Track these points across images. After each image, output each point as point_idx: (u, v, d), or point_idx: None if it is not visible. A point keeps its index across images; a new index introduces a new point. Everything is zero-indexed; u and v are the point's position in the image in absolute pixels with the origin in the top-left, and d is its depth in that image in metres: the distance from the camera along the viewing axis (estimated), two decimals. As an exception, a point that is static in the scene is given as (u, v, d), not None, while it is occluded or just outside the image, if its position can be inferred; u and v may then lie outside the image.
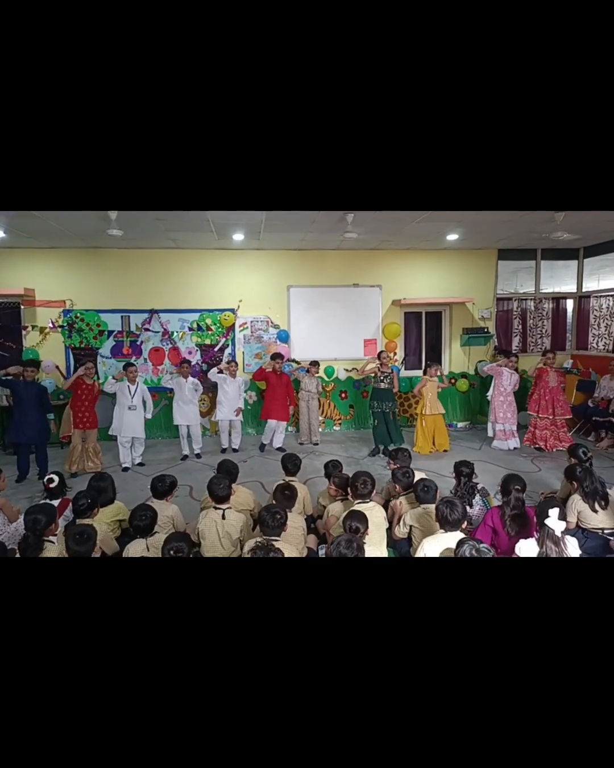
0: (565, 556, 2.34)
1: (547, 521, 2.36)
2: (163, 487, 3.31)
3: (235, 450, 6.24)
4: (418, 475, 3.56)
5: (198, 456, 6.00)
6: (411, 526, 3.08)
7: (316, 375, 6.61)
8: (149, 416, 5.78)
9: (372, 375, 6.13)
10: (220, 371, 6.14)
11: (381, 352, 6.22)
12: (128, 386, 5.58)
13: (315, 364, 6.57)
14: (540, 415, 6.10)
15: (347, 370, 7.37)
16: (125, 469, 5.49)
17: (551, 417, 6.06)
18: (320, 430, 6.81)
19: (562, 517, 2.44)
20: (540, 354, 6.54)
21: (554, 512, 2.36)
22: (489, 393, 6.39)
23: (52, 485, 3.36)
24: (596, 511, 3.16)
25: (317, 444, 6.51)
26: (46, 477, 3.43)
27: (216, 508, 3.07)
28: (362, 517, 2.69)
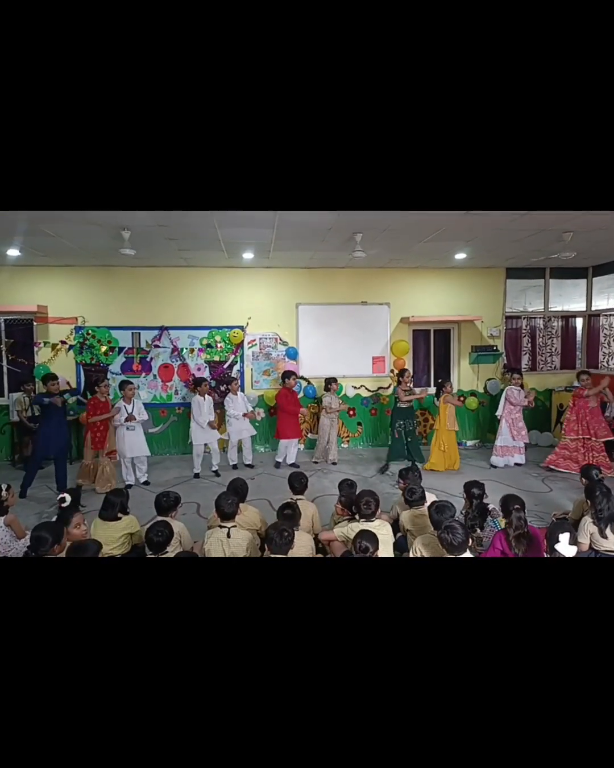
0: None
1: (557, 546, 2.31)
2: (168, 503, 3.30)
3: (250, 466, 6.25)
4: (430, 497, 3.52)
5: (216, 473, 5.93)
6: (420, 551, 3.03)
7: (334, 393, 6.58)
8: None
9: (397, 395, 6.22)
10: (231, 392, 6.17)
11: (405, 370, 6.32)
12: (124, 405, 5.50)
13: (333, 380, 6.53)
14: (571, 437, 5.96)
15: (355, 388, 7.37)
16: (128, 487, 5.40)
17: (581, 438, 5.90)
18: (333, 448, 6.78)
19: (573, 541, 2.39)
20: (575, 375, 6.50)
21: (564, 537, 2.32)
22: (499, 412, 6.39)
23: (64, 505, 3.35)
24: (606, 537, 3.10)
25: (335, 463, 6.45)
26: (59, 496, 3.42)
27: (221, 526, 3.06)
28: (372, 537, 2.67)
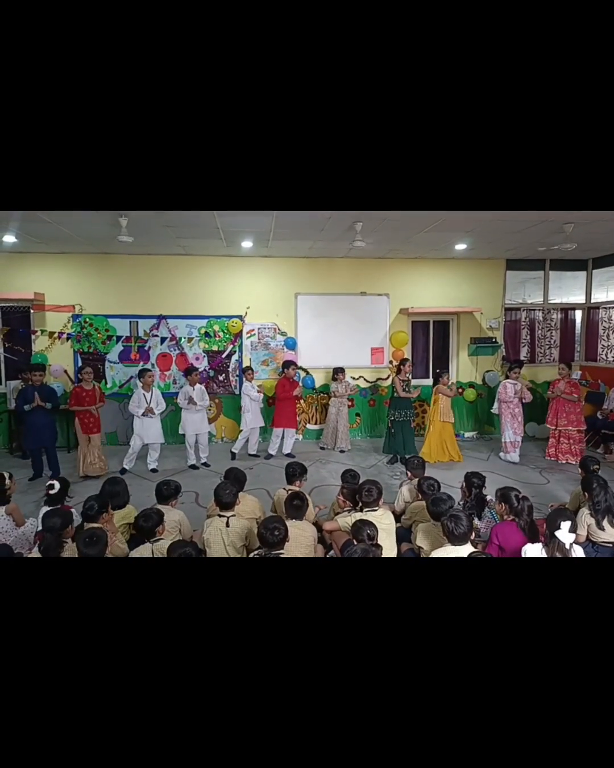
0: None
1: (557, 533, 2.33)
2: (168, 491, 3.31)
3: (254, 455, 6.33)
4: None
5: (206, 465, 5.97)
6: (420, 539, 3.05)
7: (343, 381, 6.72)
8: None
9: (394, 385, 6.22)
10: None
11: (405, 359, 6.32)
12: (144, 394, 5.66)
13: (340, 371, 6.69)
14: (551, 427, 6.17)
15: (354, 379, 7.37)
16: (122, 472, 5.46)
17: (557, 428, 6.08)
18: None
19: (573, 529, 2.41)
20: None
21: (565, 524, 2.33)
22: (495, 407, 6.42)
23: (52, 491, 3.36)
24: (603, 529, 3.12)
25: (343, 451, 6.56)
26: (48, 483, 3.43)
27: (220, 515, 3.06)
28: (373, 526, 2.69)
